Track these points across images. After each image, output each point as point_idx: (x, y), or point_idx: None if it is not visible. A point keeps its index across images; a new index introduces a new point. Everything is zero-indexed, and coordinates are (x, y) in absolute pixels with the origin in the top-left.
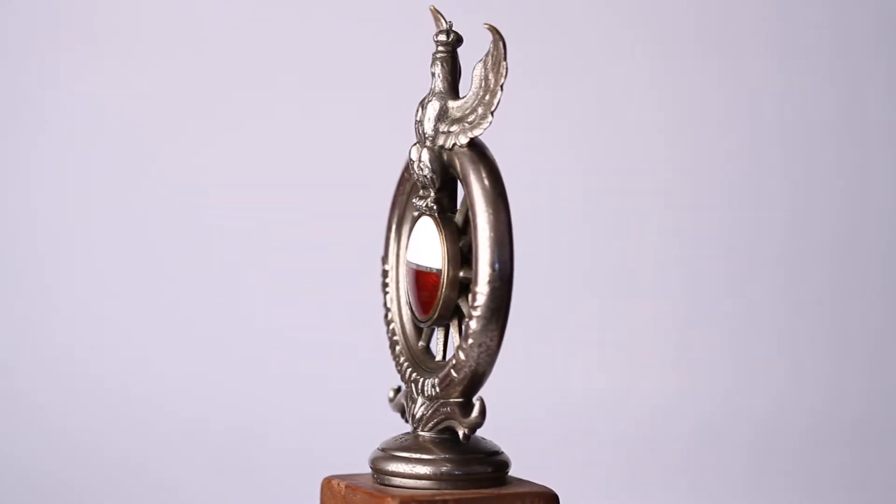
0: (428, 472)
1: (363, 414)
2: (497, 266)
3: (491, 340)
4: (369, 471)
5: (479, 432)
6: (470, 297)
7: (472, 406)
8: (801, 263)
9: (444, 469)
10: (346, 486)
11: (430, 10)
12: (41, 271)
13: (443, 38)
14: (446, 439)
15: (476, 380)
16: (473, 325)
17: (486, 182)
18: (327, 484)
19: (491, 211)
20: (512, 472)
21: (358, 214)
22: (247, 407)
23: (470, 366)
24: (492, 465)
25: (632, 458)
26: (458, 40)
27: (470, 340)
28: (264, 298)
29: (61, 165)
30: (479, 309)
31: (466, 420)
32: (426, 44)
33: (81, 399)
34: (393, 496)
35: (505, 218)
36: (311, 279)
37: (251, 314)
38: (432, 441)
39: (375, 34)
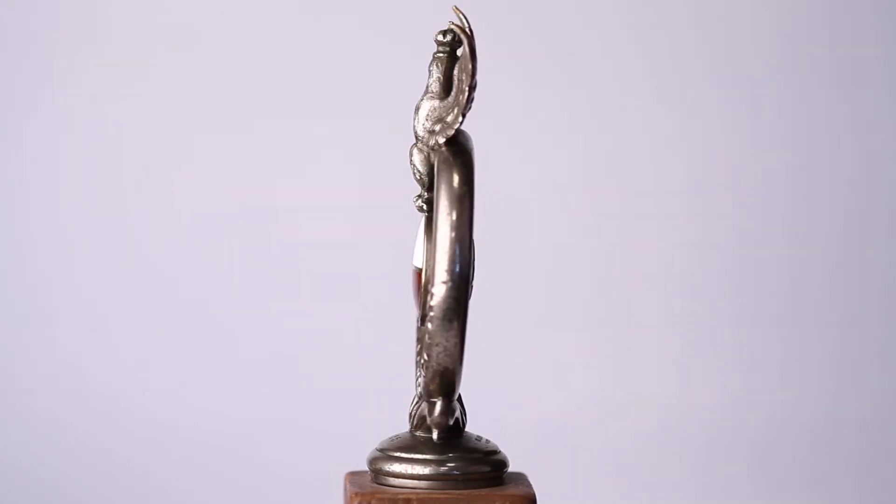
0: (410, 472)
1: (373, 414)
2: (456, 266)
3: (447, 341)
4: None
5: (480, 432)
6: (427, 296)
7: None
8: (807, 264)
9: (425, 469)
10: (348, 482)
11: (453, 9)
12: (41, 272)
13: (440, 37)
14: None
15: (445, 380)
16: (429, 325)
17: (454, 181)
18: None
19: (454, 210)
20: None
21: (359, 215)
22: (250, 409)
23: (432, 367)
24: (489, 465)
25: (636, 460)
26: (458, 41)
27: (428, 340)
28: (265, 300)
29: (64, 167)
30: (434, 309)
31: (431, 419)
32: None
33: (81, 400)
34: (357, 493)
35: (467, 218)
36: (313, 280)
37: (252, 316)
38: (423, 440)
39: (383, 31)
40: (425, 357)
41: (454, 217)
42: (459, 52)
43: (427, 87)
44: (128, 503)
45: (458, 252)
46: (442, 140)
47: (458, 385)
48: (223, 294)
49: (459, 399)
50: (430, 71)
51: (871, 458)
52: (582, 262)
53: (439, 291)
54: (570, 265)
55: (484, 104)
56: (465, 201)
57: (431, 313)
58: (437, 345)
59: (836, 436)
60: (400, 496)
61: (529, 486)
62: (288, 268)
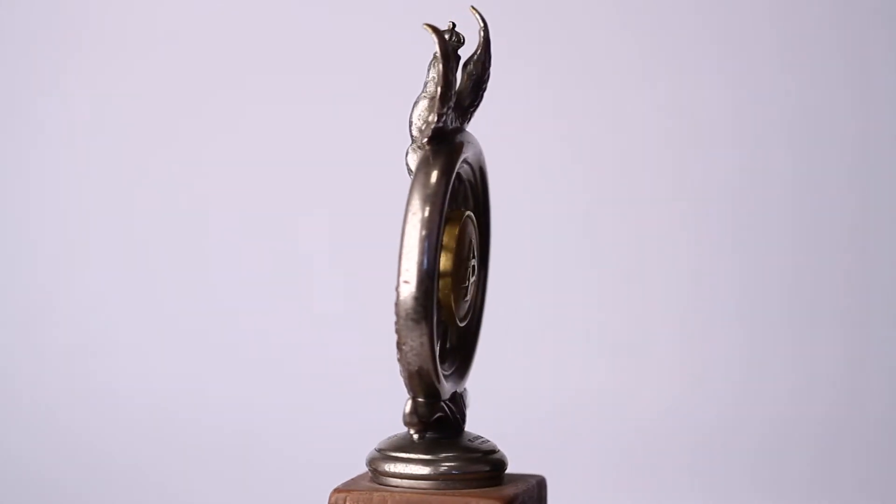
0: (405, 471)
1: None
2: (423, 264)
3: (413, 341)
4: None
5: (480, 431)
6: (394, 295)
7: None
8: (813, 262)
9: (419, 469)
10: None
11: (470, 9)
12: (40, 274)
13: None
14: (435, 438)
15: (423, 381)
16: (396, 324)
17: (430, 180)
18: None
19: (426, 206)
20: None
21: (359, 215)
22: (251, 409)
23: (403, 366)
24: (487, 465)
25: (638, 459)
26: (459, 41)
27: (397, 339)
28: (266, 299)
29: (58, 168)
30: (398, 307)
31: (403, 418)
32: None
33: (82, 401)
34: (337, 489)
35: (438, 217)
36: (314, 280)
37: (253, 316)
38: (419, 441)
39: (390, 30)
40: (397, 356)
41: (425, 214)
42: (461, 51)
43: (424, 86)
44: (128, 503)
45: (426, 249)
46: (424, 140)
47: (441, 385)
48: (224, 294)
49: (457, 398)
50: (427, 70)
51: (874, 458)
52: (585, 258)
53: (404, 291)
54: (572, 262)
55: (493, 106)
56: (436, 201)
57: (397, 312)
58: (404, 344)
59: (841, 434)
60: (376, 494)
61: (522, 487)
62: (289, 268)
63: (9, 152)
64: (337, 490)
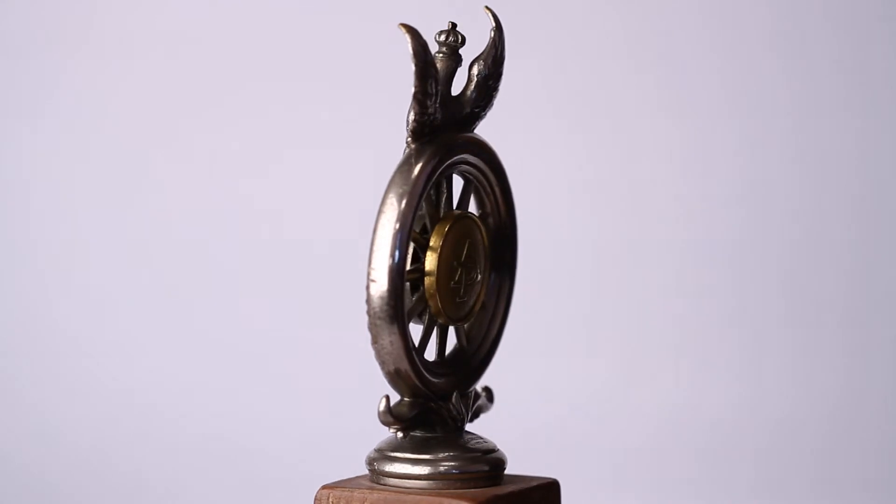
0: (401, 471)
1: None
2: (395, 258)
3: (384, 339)
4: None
5: (481, 431)
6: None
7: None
8: (815, 262)
9: (414, 468)
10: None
11: (484, 8)
12: (42, 276)
13: (443, 37)
14: (433, 437)
15: (403, 382)
16: (368, 323)
17: (408, 178)
18: None
19: (403, 200)
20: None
21: (358, 215)
22: (250, 410)
23: (380, 365)
24: (486, 464)
25: (640, 460)
26: (458, 42)
27: (370, 338)
28: (264, 301)
29: (60, 167)
30: (368, 306)
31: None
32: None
33: (80, 403)
34: (324, 486)
35: (410, 216)
36: (312, 282)
37: (251, 317)
38: (419, 440)
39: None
40: (374, 355)
41: (399, 210)
42: (461, 51)
43: None
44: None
45: (396, 247)
46: (408, 139)
47: (428, 384)
48: (222, 297)
49: (456, 398)
50: None
51: (877, 458)
52: (591, 263)
53: (373, 289)
54: (580, 267)
55: (503, 106)
56: (411, 199)
57: (367, 311)
58: (376, 343)
59: (845, 434)
60: (356, 492)
61: (510, 488)
62: (288, 267)
63: (9, 152)
64: (323, 487)
